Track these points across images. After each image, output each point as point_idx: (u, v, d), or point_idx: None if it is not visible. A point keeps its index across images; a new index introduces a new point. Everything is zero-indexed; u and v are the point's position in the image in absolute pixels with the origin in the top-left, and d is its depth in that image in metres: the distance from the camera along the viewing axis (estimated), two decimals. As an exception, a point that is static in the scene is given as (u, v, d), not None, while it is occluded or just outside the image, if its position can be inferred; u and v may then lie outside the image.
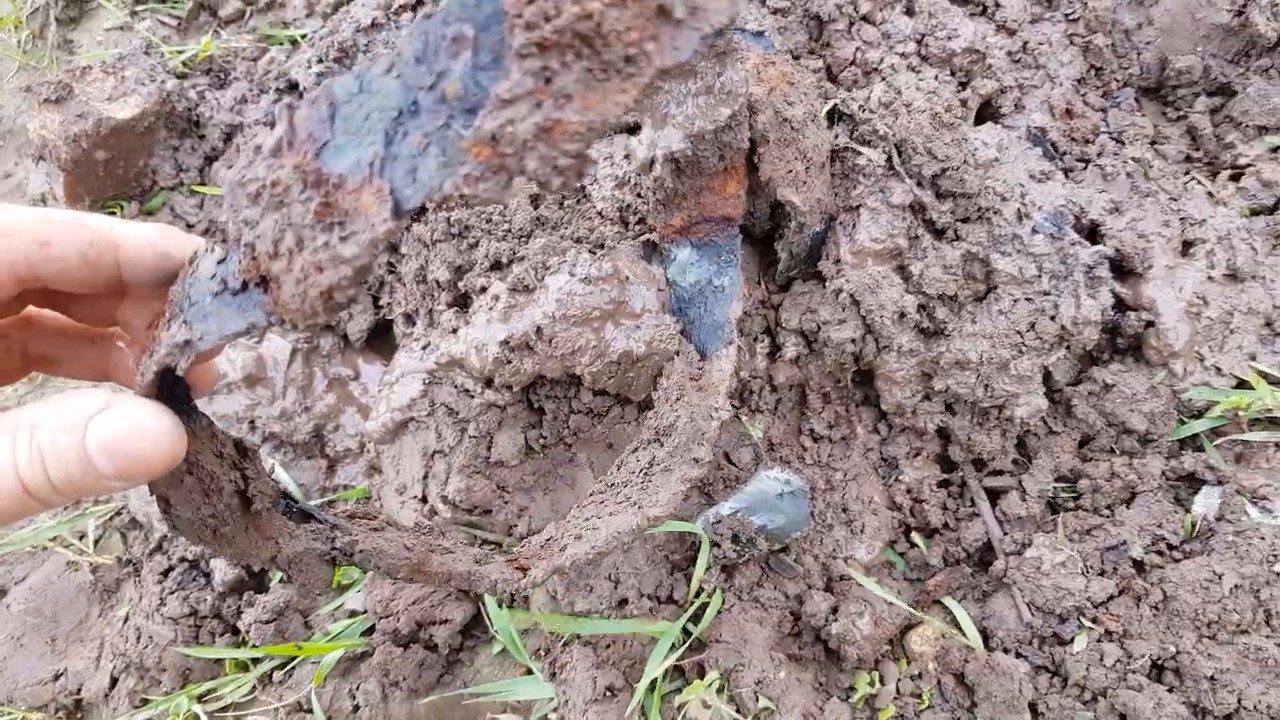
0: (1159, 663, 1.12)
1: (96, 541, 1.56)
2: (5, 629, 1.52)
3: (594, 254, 1.27)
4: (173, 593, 1.44)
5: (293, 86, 1.55)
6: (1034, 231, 1.19)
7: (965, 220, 1.20)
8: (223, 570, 1.42)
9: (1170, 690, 1.10)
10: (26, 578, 1.58)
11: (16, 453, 0.48)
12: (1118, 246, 1.23)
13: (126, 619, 1.49)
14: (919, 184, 1.18)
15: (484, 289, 1.28)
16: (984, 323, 1.18)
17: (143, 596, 1.46)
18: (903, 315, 1.17)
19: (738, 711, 1.17)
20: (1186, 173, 1.39)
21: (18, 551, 1.58)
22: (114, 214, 1.70)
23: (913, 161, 1.17)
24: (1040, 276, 1.17)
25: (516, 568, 1.01)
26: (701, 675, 1.21)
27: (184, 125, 1.68)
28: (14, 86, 1.95)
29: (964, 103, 1.31)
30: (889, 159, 1.19)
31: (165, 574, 1.48)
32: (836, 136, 1.23)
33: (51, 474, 0.49)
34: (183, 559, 1.47)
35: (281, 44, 1.60)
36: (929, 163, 1.16)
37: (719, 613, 1.23)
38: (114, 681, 1.45)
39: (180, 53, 1.80)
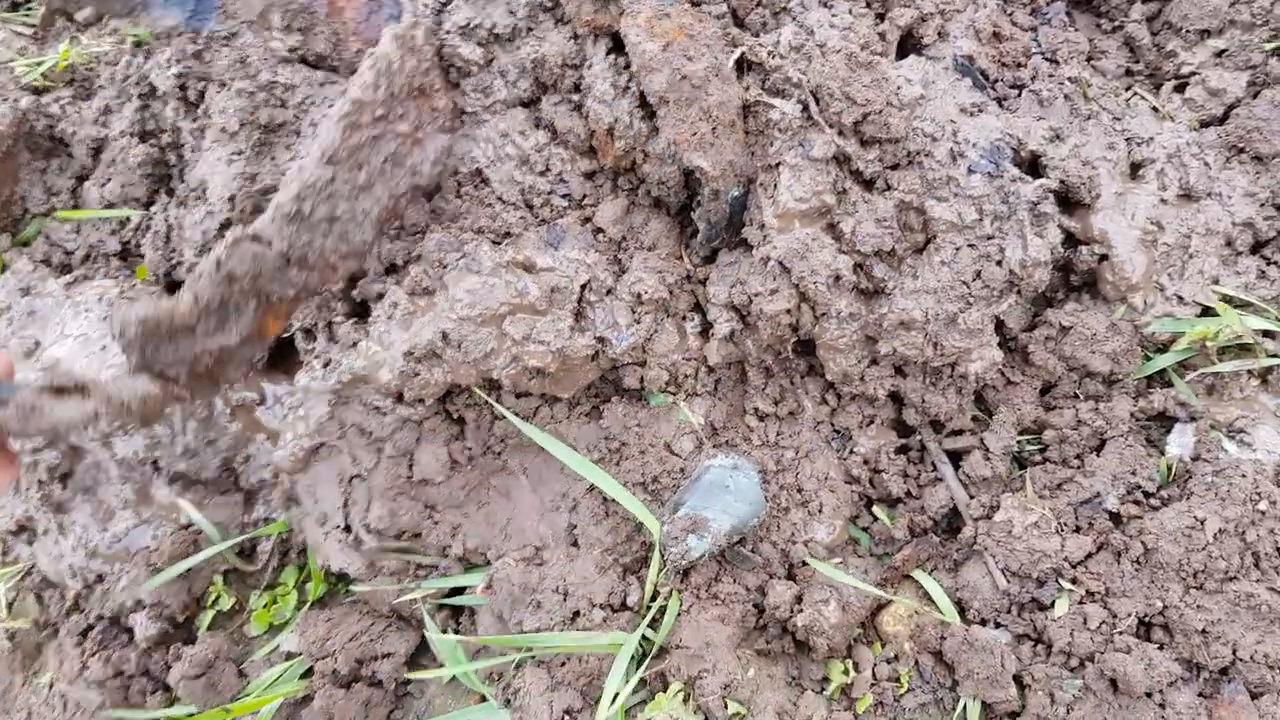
0: (1146, 620, 1.05)
1: (10, 605, 1.44)
2: (-80, 711, 1.41)
3: (497, 245, 1.16)
4: (94, 654, 1.33)
5: (153, 91, 1.41)
6: (970, 171, 1.09)
7: (895, 167, 1.10)
8: (144, 625, 1.32)
9: (1161, 648, 1.03)
10: (-61, 653, 1.46)
11: None
12: (1062, 178, 1.14)
13: (51, 686, 1.38)
14: (840, 133, 1.07)
15: (381, 295, 1.16)
16: (926, 276, 1.08)
17: (64, 661, 1.35)
18: (838, 278, 1.07)
19: (705, 719, 1.09)
20: (1128, 88, 1.29)
21: (-77, 627, 1.46)
22: (-14, 249, 1.57)
23: (831, 109, 1.06)
24: (981, 220, 1.08)
25: None
26: (665, 686, 1.13)
27: (48, 144, 1.53)
28: None
29: (882, 36, 1.20)
30: (805, 108, 1.08)
31: (84, 634, 1.37)
32: (747, 88, 1.12)
33: None
34: (100, 616, 1.36)
35: (141, 45, 1.46)
36: (849, 109, 1.06)
37: (678, 615, 1.14)
38: (44, 755, 1.34)
39: (39, 64, 1.64)
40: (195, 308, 0.96)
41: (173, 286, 1.40)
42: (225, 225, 1.30)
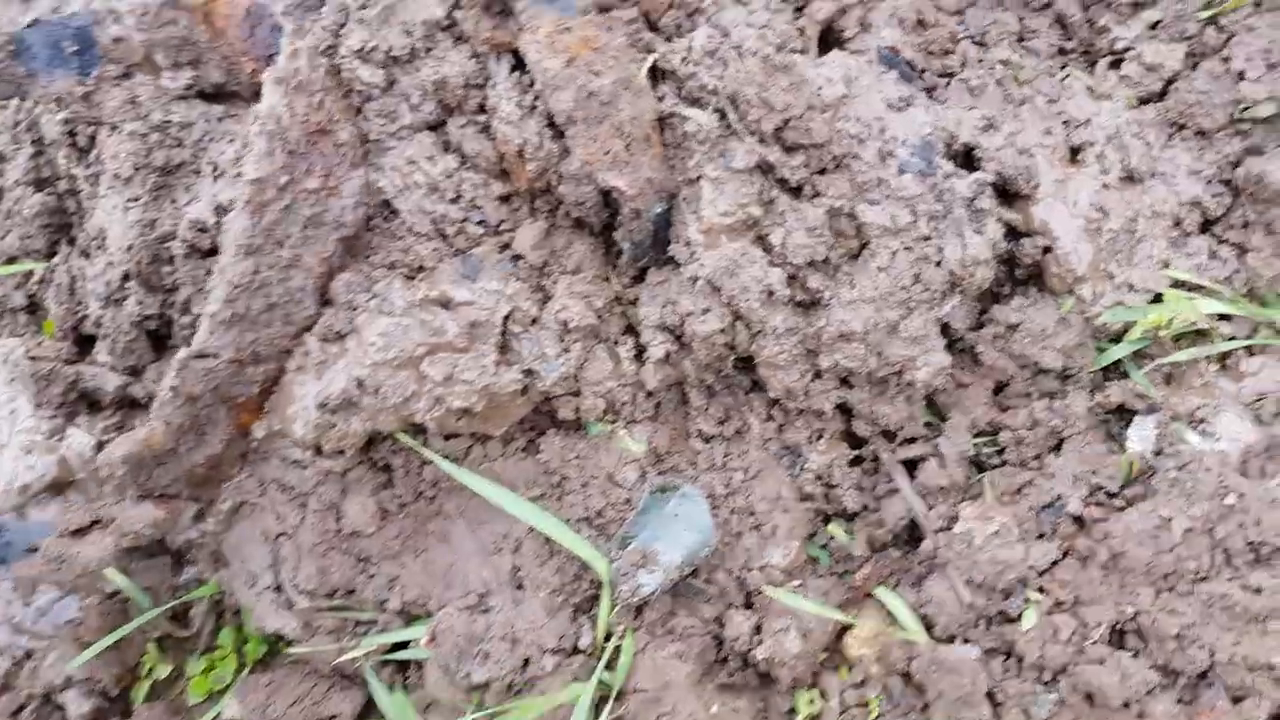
0: (1118, 627, 1.00)
1: (-64, 690, 1.36)
2: None
3: (411, 280, 1.09)
4: (26, 737, 1.26)
5: (43, 138, 1.34)
6: (901, 171, 1.03)
7: (822, 172, 1.04)
8: (77, 702, 1.24)
9: (1135, 655, 0.99)
10: None
11: None
12: (998, 169, 1.09)
13: (-16, 772, 1.31)
14: (761, 141, 1.02)
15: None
16: (863, 284, 1.03)
17: (-6, 747, 1.28)
18: (771, 293, 1.01)
19: (667, 770, 1.04)
20: (1063, 67, 1.24)
21: None
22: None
23: (750, 116, 1.00)
24: (916, 221, 1.03)
25: None
26: (623, 735, 1.07)
27: (-57, 199, 1.45)
28: None
29: (802, 32, 1.14)
30: (723, 117, 1.02)
31: (17, 714, 1.30)
32: (662, 98, 1.06)
33: None
34: (31, 695, 1.28)
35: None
36: (768, 115, 1.00)
37: (634, 656, 1.08)
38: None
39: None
40: (168, 433, 0.99)
41: (81, 340, 1.33)
42: (126, 277, 1.22)
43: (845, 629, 1.11)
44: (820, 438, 1.14)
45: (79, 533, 1.06)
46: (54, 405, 1.24)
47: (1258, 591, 0.95)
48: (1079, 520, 1.05)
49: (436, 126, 1.13)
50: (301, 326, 1.05)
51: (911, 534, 1.14)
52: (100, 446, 1.20)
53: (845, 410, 1.13)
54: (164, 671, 1.26)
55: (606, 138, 0.99)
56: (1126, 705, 0.96)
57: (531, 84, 1.06)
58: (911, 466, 1.14)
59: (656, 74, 1.09)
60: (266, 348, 1.04)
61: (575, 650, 1.10)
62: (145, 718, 1.23)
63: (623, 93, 1.00)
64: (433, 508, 1.15)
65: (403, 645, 1.16)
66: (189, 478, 1.05)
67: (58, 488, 1.21)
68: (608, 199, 1.06)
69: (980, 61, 1.18)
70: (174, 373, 1.00)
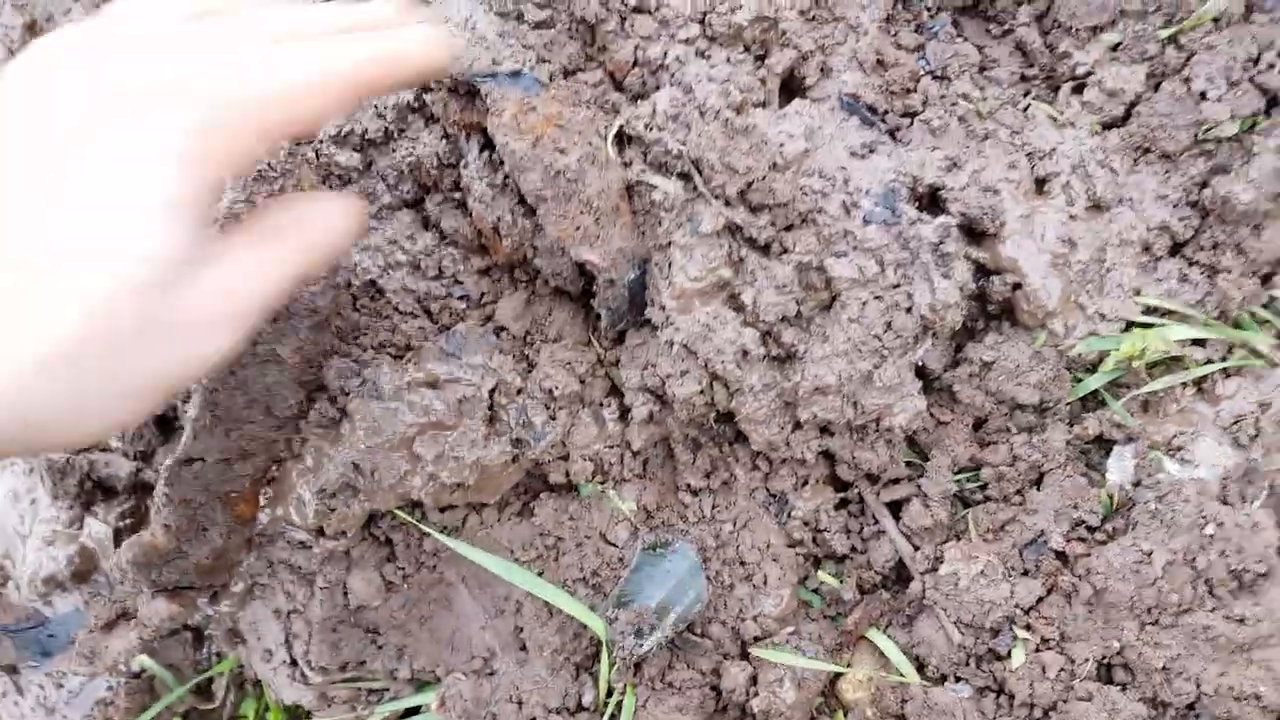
0: (1105, 661, 1.02)
1: (-22, 771, 1.41)
2: None
3: (399, 360, 1.12)
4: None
5: None
6: (866, 222, 1.05)
7: (789, 228, 1.06)
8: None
9: (1123, 689, 1.00)
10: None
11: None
12: (963, 210, 1.10)
13: None
14: (727, 203, 1.04)
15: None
16: (836, 336, 1.05)
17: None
18: (745, 353, 1.03)
19: (672, 823, 1.06)
20: (1026, 93, 1.25)
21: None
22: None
23: (714, 181, 1.03)
24: (884, 271, 1.04)
25: None
26: (628, 789, 1.10)
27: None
28: None
29: (763, 82, 1.16)
30: (688, 181, 1.04)
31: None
32: (629, 164, 1.08)
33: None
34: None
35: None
36: (731, 179, 1.02)
37: (635, 712, 1.11)
38: None
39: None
40: (168, 535, 1.03)
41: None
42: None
43: (840, 674, 1.13)
44: (805, 484, 1.16)
45: (108, 626, 1.11)
46: (71, 495, 1.28)
47: (1241, 621, 0.97)
48: (1062, 555, 1.07)
49: (415, 204, 1.16)
50: (284, 418, 1.08)
51: (900, 574, 1.16)
52: (118, 533, 1.25)
53: (828, 456, 1.15)
54: (191, 744, 1.30)
55: (576, 214, 1.01)
56: (1117, 739, 0.98)
57: (501, 163, 1.09)
58: (896, 507, 1.16)
59: (623, 139, 1.11)
60: (251, 443, 1.07)
61: (579, 708, 1.14)
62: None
63: (589, 168, 1.02)
64: (434, 575, 1.18)
65: (415, 710, 1.20)
66: (197, 569, 1.09)
67: (81, 576, 1.26)
68: (583, 269, 1.09)
69: (942, 98, 1.20)
70: (163, 481, 1.04)
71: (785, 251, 1.06)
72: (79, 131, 0.59)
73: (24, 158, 0.60)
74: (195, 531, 1.07)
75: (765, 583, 1.13)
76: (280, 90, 0.64)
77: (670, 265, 1.04)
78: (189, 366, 0.62)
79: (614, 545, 1.15)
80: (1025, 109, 1.21)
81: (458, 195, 1.13)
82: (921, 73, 1.22)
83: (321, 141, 1.14)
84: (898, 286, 1.05)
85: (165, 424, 1.31)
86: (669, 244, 1.04)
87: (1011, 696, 1.03)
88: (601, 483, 1.16)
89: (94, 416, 0.59)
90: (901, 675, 1.09)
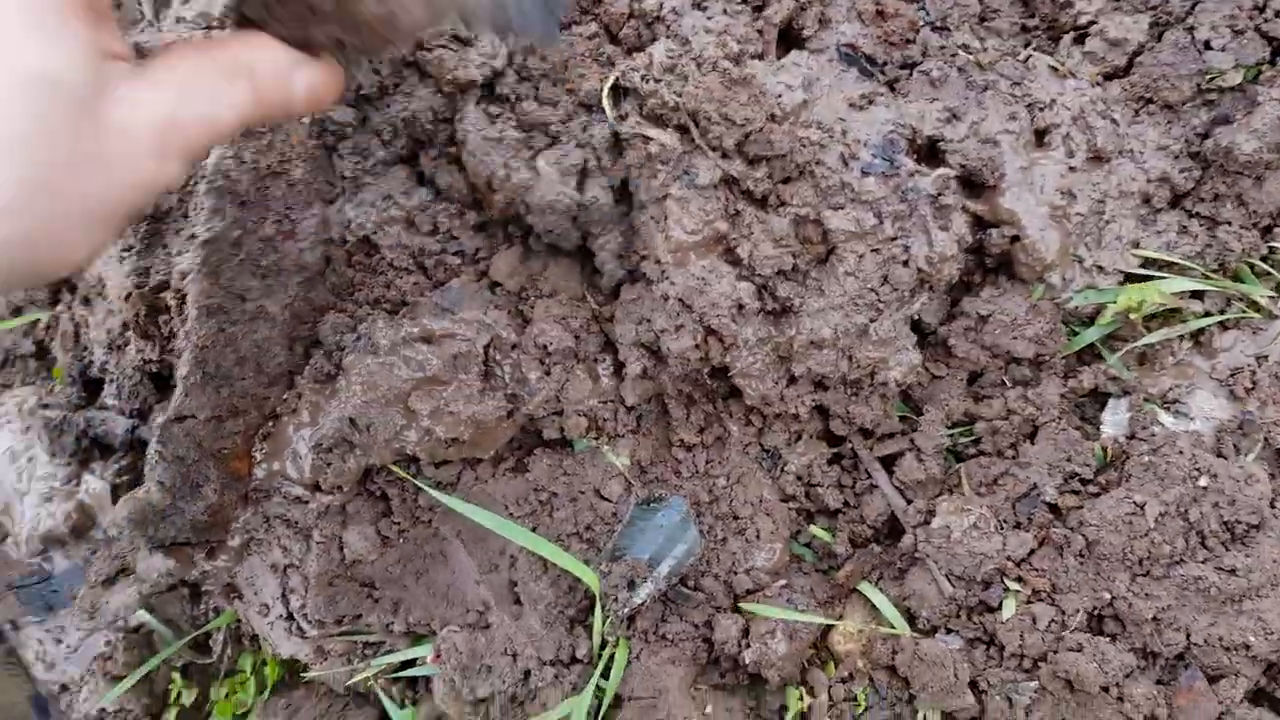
0: (1096, 613, 1.02)
1: (-18, 723, 1.43)
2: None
3: (394, 315, 1.12)
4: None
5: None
6: (864, 174, 1.04)
7: (786, 181, 1.05)
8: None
9: (1113, 640, 1.01)
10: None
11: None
12: (962, 162, 1.09)
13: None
14: (724, 155, 1.03)
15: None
16: (832, 290, 1.04)
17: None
18: (741, 307, 1.03)
19: (666, 772, 1.08)
20: (1027, 44, 1.23)
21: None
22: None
23: (711, 133, 1.01)
24: (881, 223, 1.04)
25: None
26: (622, 740, 1.12)
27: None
28: None
29: (761, 33, 1.14)
30: (685, 133, 1.03)
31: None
32: (625, 117, 1.07)
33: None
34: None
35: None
36: (729, 131, 1.01)
37: (628, 664, 1.12)
38: None
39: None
40: (163, 492, 1.04)
41: (89, 384, 1.37)
42: (125, 325, 1.26)
43: (831, 626, 1.14)
44: (799, 439, 1.16)
45: (107, 582, 1.11)
46: (68, 452, 1.29)
47: (1232, 572, 0.97)
48: (1054, 508, 1.07)
49: (409, 160, 1.15)
50: (275, 374, 1.08)
51: (892, 528, 1.17)
52: (115, 490, 1.26)
53: (822, 411, 1.15)
54: (190, 698, 1.31)
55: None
56: (1106, 689, 0.99)
57: (498, 115, 1.08)
58: (889, 462, 1.16)
59: (619, 92, 1.10)
60: (242, 400, 1.07)
61: (573, 660, 1.14)
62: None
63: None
64: (430, 530, 1.19)
65: (409, 664, 1.21)
66: (193, 526, 1.09)
67: (78, 532, 1.27)
68: (576, 222, 1.08)
69: (941, 49, 1.18)
70: (155, 439, 1.04)
71: (782, 204, 1.05)
72: None
73: None
74: (190, 488, 1.08)
75: (758, 537, 1.14)
76: None
77: (666, 218, 1.03)
78: (135, 192, 0.62)
79: (608, 500, 1.16)
80: (1026, 60, 1.20)
81: (452, 150, 1.12)
82: (921, 23, 1.20)
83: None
84: (895, 239, 1.04)
85: (161, 382, 1.30)
86: (665, 197, 1.03)
87: (1002, 648, 1.04)
88: (596, 438, 1.16)
89: (64, 241, 0.59)
90: (893, 627, 1.10)
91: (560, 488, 1.16)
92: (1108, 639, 1.01)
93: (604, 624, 1.12)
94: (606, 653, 1.13)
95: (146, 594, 1.14)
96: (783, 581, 1.14)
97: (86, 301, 1.37)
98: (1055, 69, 1.19)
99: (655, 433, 1.18)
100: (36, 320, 1.45)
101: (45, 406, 1.36)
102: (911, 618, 1.11)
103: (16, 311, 1.44)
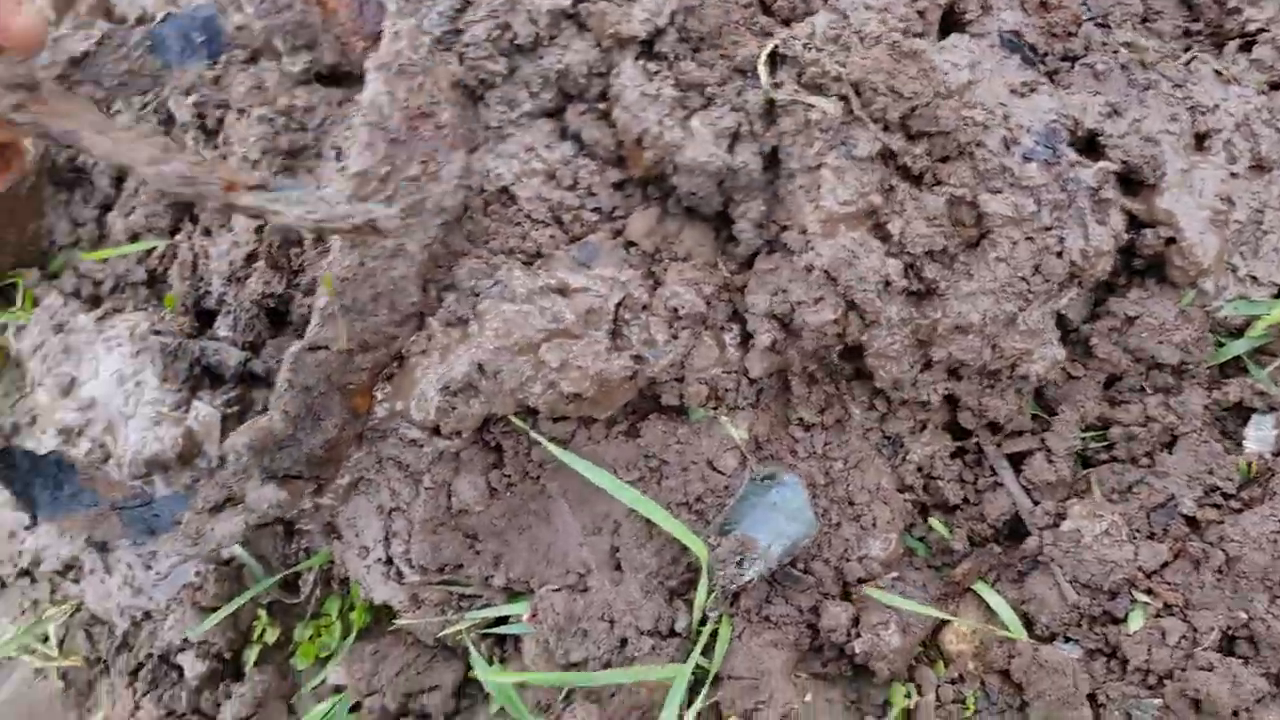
0: (1230, 633, 0.98)
1: (60, 643, 1.44)
2: (-19, 752, 1.42)
3: (529, 266, 1.11)
4: (146, 694, 1.33)
5: (171, 119, 1.38)
6: (1025, 159, 1.02)
7: (944, 160, 1.03)
8: (193, 664, 1.30)
9: (1246, 663, 0.97)
10: (-5, 693, 1.47)
11: None
12: (1123, 158, 1.06)
13: (106, 725, 1.38)
14: (886, 128, 1.00)
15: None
16: (982, 275, 1.02)
17: (116, 701, 1.35)
18: (888, 284, 1.01)
19: (765, 754, 1.05)
20: (1187, 49, 1.20)
21: (-20, 668, 1.47)
22: (15, 286, 1.55)
23: (875, 105, 0.99)
24: (1040, 211, 1.01)
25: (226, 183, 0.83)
26: (719, 717, 1.09)
27: (70, 176, 1.52)
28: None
29: (922, 14, 1.12)
30: (846, 104, 1.01)
31: (135, 673, 1.37)
32: (780, 84, 1.05)
33: None
34: (150, 655, 1.35)
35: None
36: (894, 103, 0.99)
37: (730, 642, 1.10)
38: (103, 793, 1.35)
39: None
40: (287, 421, 1.04)
41: (202, 315, 1.38)
42: (250, 257, 1.27)
43: (943, 624, 1.11)
44: (923, 429, 1.14)
45: (214, 510, 1.10)
46: (179, 379, 1.29)
47: (1384, 601, 0.93)
48: (1192, 521, 1.03)
49: (555, 113, 1.14)
50: (406, 314, 1.07)
51: (1014, 530, 1.13)
52: (225, 420, 1.26)
53: (951, 401, 1.12)
54: (273, 637, 1.31)
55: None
56: (1235, 714, 0.95)
57: (655, 72, 1.06)
58: (1017, 461, 1.13)
59: (775, 60, 1.08)
60: (374, 336, 1.07)
61: (671, 633, 1.12)
62: (256, 681, 1.28)
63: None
64: (537, 487, 1.17)
65: (504, 620, 1.19)
66: (309, 459, 1.08)
67: (184, 459, 1.27)
68: (722, 186, 1.06)
69: (1104, 45, 1.15)
70: (287, 366, 1.03)
71: (939, 183, 1.03)
72: None
73: None
74: (312, 420, 1.07)
75: (874, 525, 1.11)
76: None
77: (819, 187, 1.01)
78: None
79: (720, 473, 1.13)
80: (1188, 62, 1.17)
81: (602, 106, 1.11)
82: (1083, 18, 1.18)
83: (469, 44, 1.11)
84: (1050, 229, 1.02)
85: (276, 317, 1.31)
86: (819, 166, 1.01)
87: (1125, 661, 1.01)
88: (714, 408, 1.14)
89: None
90: (1009, 631, 1.06)
91: (672, 456, 1.14)
92: (1240, 661, 0.97)
93: (708, 598, 1.10)
94: (707, 629, 1.10)
95: (253, 524, 1.13)
96: (895, 574, 1.11)
97: (208, 233, 1.37)
98: (1219, 74, 1.15)
99: (774, 409, 1.16)
100: (152, 248, 1.46)
101: (157, 333, 1.36)
102: (1029, 623, 1.08)
103: (134, 238, 1.45)
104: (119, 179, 1.49)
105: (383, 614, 1.28)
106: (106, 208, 1.51)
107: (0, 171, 0.87)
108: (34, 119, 0.78)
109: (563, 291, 1.07)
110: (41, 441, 1.35)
